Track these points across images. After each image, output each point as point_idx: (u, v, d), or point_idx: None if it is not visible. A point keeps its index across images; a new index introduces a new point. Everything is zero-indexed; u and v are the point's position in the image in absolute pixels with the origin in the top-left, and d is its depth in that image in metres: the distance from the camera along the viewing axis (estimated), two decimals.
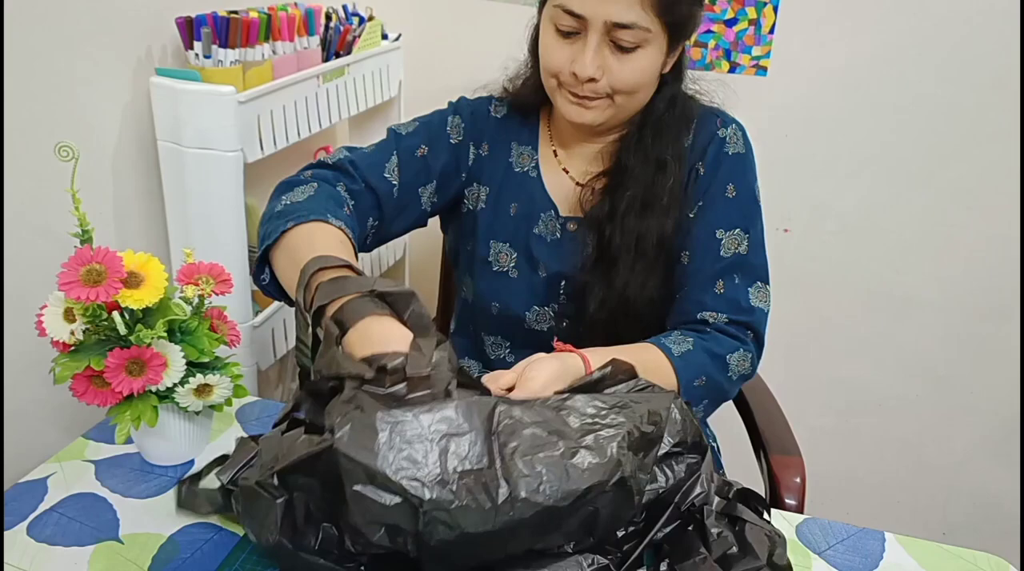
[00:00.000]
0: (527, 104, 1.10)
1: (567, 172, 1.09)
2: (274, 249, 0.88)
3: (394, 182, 1.03)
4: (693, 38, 1.02)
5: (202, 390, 0.90)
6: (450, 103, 1.13)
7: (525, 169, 1.10)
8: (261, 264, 0.91)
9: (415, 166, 1.06)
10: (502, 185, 1.10)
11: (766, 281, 1.02)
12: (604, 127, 1.03)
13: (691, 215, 1.02)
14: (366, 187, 1.01)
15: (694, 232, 1.02)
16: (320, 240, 0.84)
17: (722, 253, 1.00)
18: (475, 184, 1.10)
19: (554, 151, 1.10)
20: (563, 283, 1.08)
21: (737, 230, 1.01)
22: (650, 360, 0.93)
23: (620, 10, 0.90)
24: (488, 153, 1.10)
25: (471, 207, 1.11)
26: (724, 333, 0.99)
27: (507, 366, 1.12)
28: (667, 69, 1.00)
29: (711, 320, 0.99)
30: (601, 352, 0.89)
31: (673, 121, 1.02)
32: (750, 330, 1.00)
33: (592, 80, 0.94)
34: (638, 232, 1.01)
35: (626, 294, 1.02)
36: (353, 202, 0.97)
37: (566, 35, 0.94)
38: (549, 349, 1.11)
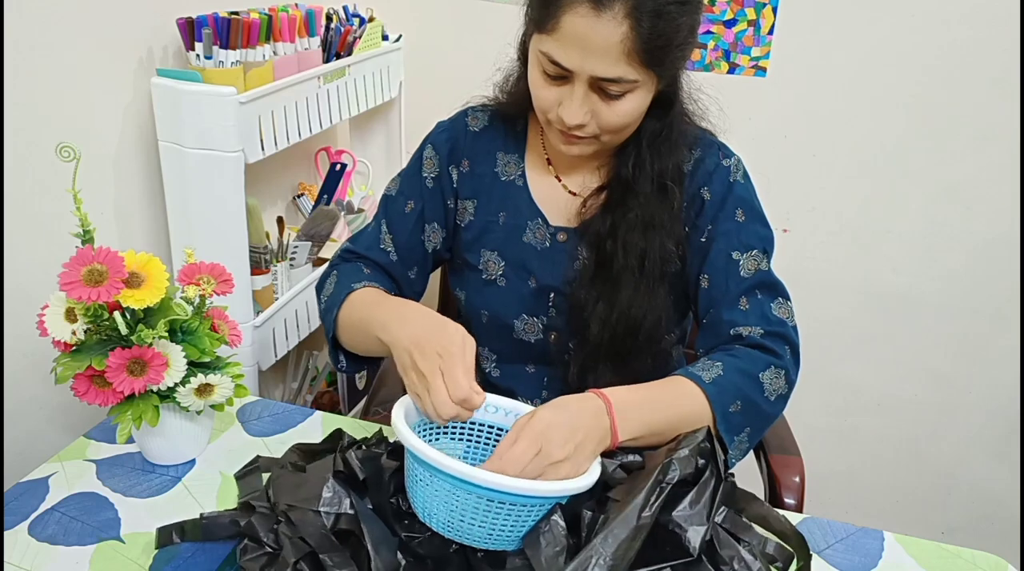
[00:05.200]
0: (514, 112, 1.09)
1: (560, 180, 1.08)
2: (339, 337, 1.04)
3: (389, 249, 1.11)
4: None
5: (203, 390, 0.90)
6: (425, 138, 1.14)
7: (512, 178, 1.09)
8: (335, 352, 1.07)
9: (407, 224, 1.10)
10: (489, 195, 1.09)
11: (787, 298, 1.02)
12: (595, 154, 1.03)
13: (703, 240, 1.02)
14: (372, 261, 1.11)
15: (710, 257, 1.01)
16: (358, 304, 1.00)
17: (742, 274, 1.00)
18: (463, 200, 1.11)
19: (547, 159, 1.09)
20: (552, 295, 1.07)
21: (754, 251, 1.01)
22: (681, 394, 0.90)
23: (606, 66, 0.87)
24: (468, 169, 1.10)
25: (460, 222, 1.11)
26: (757, 348, 0.95)
27: (493, 381, 1.14)
28: (658, 91, 0.97)
29: (745, 334, 0.96)
30: (626, 392, 0.88)
31: (672, 141, 1.01)
32: (786, 343, 0.97)
33: (580, 126, 0.93)
34: (641, 249, 1.00)
35: (631, 313, 1.01)
36: (369, 271, 1.10)
37: (552, 78, 0.92)
38: (536, 362, 1.12)
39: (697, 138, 1.04)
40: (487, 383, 1.14)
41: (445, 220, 1.11)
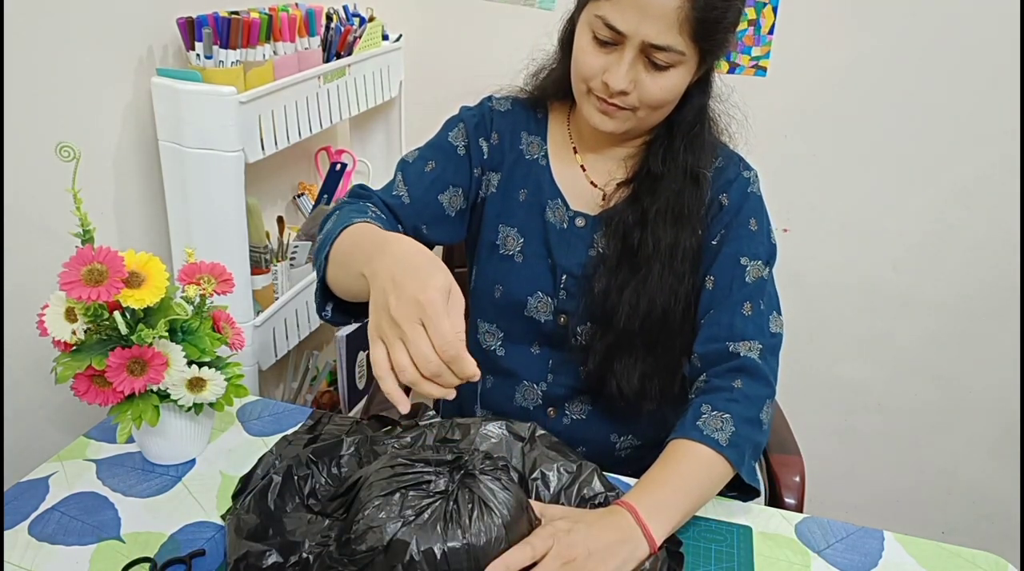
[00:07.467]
0: (536, 101, 1.12)
1: (584, 170, 1.10)
2: (330, 280, 0.92)
3: (402, 194, 1.07)
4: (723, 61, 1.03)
5: (195, 384, 0.90)
6: (450, 117, 1.15)
7: (535, 157, 1.11)
8: (322, 298, 0.95)
9: (425, 180, 1.09)
10: (513, 170, 1.11)
11: (780, 312, 1.05)
12: (627, 135, 1.05)
13: (714, 242, 1.04)
14: (382, 202, 1.07)
15: (719, 259, 1.04)
16: (351, 238, 0.88)
17: (747, 280, 1.02)
18: (489, 173, 1.12)
19: (573, 148, 1.11)
20: (564, 277, 1.08)
21: (759, 261, 1.03)
22: (702, 466, 0.91)
23: (658, 32, 0.91)
24: (498, 142, 1.12)
25: (483, 195, 1.13)
26: (755, 375, 0.97)
27: (498, 360, 1.15)
28: (694, 79, 1.01)
29: (742, 353, 0.98)
30: (649, 490, 0.88)
31: (705, 139, 1.04)
32: (775, 358, 1.02)
33: (623, 93, 0.96)
34: (671, 241, 1.02)
35: (660, 301, 1.02)
36: (375, 213, 1.01)
37: (602, 44, 0.95)
38: (543, 344, 1.12)
39: (720, 147, 1.07)
40: (493, 362, 1.15)
41: (469, 188, 1.11)
